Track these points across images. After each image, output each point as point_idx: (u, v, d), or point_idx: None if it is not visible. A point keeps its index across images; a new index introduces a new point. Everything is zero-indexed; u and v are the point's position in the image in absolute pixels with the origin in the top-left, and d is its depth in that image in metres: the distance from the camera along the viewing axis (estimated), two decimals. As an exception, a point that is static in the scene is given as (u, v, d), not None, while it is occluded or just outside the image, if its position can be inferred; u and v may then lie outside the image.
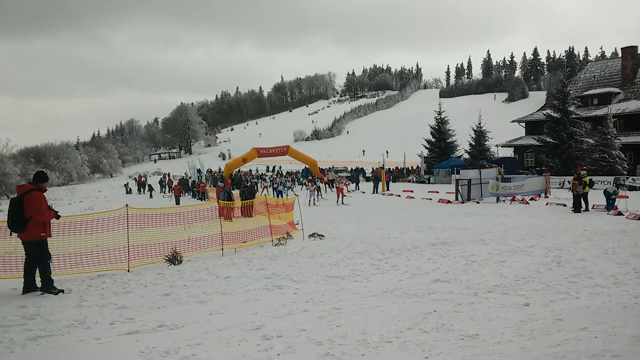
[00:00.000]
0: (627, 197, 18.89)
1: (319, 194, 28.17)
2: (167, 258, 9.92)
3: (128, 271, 9.20)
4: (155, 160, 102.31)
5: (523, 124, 44.68)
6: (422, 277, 7.87)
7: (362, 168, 51.19)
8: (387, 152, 57.80)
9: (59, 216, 7.88)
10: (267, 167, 58.09)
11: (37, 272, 7.42)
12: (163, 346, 4.84)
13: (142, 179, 46.51)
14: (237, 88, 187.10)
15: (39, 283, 7.44)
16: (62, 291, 7.43)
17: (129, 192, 44.08)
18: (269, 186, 33.89)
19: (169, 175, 50.50)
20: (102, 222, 9.63)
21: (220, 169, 53.35)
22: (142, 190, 40.77)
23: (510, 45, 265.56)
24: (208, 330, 5.35)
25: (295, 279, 8.06)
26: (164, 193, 39.81)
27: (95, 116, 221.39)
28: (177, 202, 30.72)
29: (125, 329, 5.51)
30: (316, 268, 8.98)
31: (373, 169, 47.39)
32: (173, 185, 36.56)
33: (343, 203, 25.51)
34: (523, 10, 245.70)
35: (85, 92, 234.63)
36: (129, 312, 6.22)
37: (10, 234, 7.55)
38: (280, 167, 56.47)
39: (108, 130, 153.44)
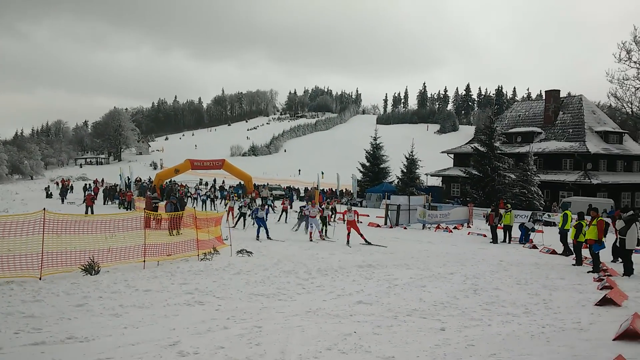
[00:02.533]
0: (542, 232, 20.15)
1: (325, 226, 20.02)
2: (83, 267, 9.43)
3: (40, 279, 8.66)
4: (81, 164, 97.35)
5: (452, 156, 46.71)
6: (345, 298, 7.98)
7: (297, 188, 51.31)
8: (322, 172, 58.39)
9: None
10: (200, 180, 56.89)
11: None
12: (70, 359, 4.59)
13: (65, 183, 44.07)
14: (175, 97, 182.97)
15: None
16: None
17: (49, 196, 41.58)
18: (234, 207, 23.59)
19: (102, 181, 48.00)
20: (15, 226, 9.02)
21: (150, 179, 51.65)
22: (64, 195, 38.53)
23: (445, 79, 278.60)
24: (120, 345, 5.14)
25: (219, 295, 7.92)
26: (73, 201, 36.51)
27: (15, 113, 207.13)
28: (87, 212, 26.48)
29: (31, 339, 5.19)
30: (241, 285, 8.88)
31: (307, 189, 47.69)
32: (86, 194, 33.32)
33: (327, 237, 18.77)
34: (455, 46, 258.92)
35: (3, 88, 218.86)
36: (36, 322, 5.86)
37: None
38: (223, 181, 54.93)
39: (32, 129, 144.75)
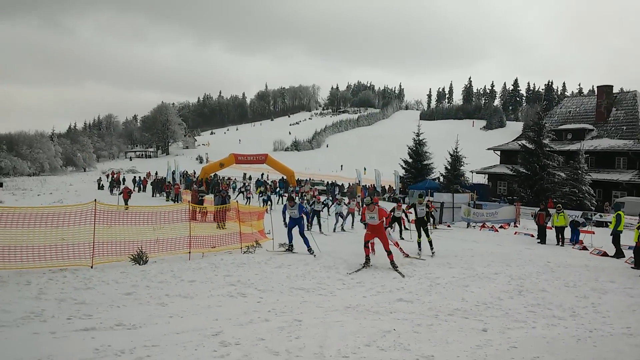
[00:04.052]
0: (593, 233, 19.39)
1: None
2: (132, 257, 9.79)
3: (91, 267, 9.05)
4: (130, 158, 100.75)
5: (498, 153, 45.57)
6: (385, 295, 7.95)
7: (342, 184, 51.25)
8: (364, 168, 58.21)
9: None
10: (244, 175, 57.78)
11: None
12: (118, 345, 4.79)
13: (115, 175, 45.73)
14: (220, 92, 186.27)
15: None
16: None
17: (100, 187, 43.30)
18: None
19: (152, 174, 49.43)
20: (69, 216, 9.46)
21: (195, 172, 52.89)
22: (115, 187, 39.93)
23: (491, 74, 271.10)
24: (166, 333, 5.31)
25: (260, 288, 8.05)
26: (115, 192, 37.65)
27: (65, 107, 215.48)
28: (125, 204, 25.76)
29: (82, 325, 5.44)
30: (282, 278, 8.99)
31: (349, 185, 47.64)
32: (122, 187, 33.97)
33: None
34: (501, 39, 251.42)
35: (53, 82, 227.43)
36: (87, 309, 6.12)
37: None
38: (263, 174, 55.50)
39: (85, 123, 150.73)
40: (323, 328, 5.84)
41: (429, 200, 22.55)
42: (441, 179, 41.88)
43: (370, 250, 11.05)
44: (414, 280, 9.39)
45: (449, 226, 23.86)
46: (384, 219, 11.08)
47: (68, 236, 9.41)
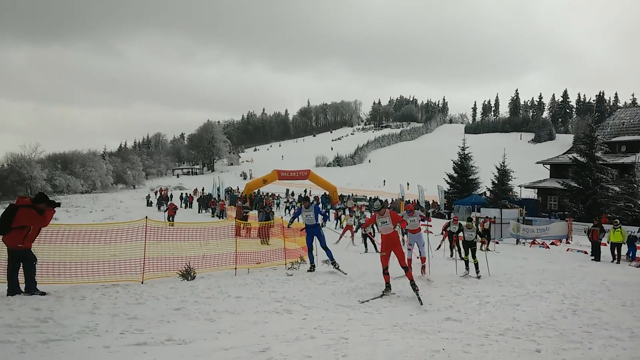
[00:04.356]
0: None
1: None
2: (180, 273, 10.02)
3: (142, 283, 9.31)
4: (178, 175, 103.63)
5: (548, 166, 44.17)
6: (433, 314, 7.79)
7: (385, 199, 50.83)
8: (407, 184, 57.59)
9: (58, 204, 8.33)
10: (287, 191, 58.28)
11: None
12: (169, 360, 4.88)
13: (163, 192, 47.11)
14: (264, 110, 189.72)
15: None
16: (44, 293, 7.70)
17: (149, 204, 44.67)
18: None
19: (202, 191, 50.67)
20: (120, 233, 9.81)
21: (239, 188, 53.77)
22: (162, 204, 41.11)
23: (539, 85, 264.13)
24: (215, 349, 5.38)
25: (306, 305, 8.04)
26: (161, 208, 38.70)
27: (115, 127, 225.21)
28: (168, 219, 27.82)
29: (134, 339, 5.58)
30: (327, 295, 8.95)
31: (392, 200, 47.19)
32: (168, 203, 34.82)
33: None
34: (547, 49, 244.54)
35: (102, 103, 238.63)
36: (139, 324, 6.28)
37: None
38: (306, 190, 55.67)
39: (135, 142, 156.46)
40: (370, 346, 5.77)
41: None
42: (488, 193, 40.93)
43: (390, 276, 9.54)
44: (462, 299, 9.16)
45: (497, 242, 23.21)
46: (398, 225, 9.58)
47: (120, 252, 9.75)
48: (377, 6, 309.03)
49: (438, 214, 42.15)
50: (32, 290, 7.66)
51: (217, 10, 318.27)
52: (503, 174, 39.11)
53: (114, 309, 7.01)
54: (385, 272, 9.35)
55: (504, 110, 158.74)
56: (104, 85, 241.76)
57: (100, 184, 72.29)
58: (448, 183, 45.22)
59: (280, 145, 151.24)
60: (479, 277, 12.07)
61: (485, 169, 44.09)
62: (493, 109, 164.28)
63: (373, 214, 9.93)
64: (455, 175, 44.88)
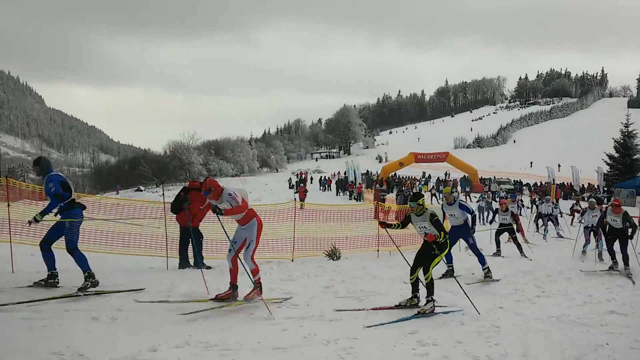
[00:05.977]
0: None
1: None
2: (327, 253, 10.48)
3: (292, 261, 9.93)
4: (316, 158, 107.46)
5: None
6: (594, 306, 7.18)
7: (535, 182, 47.22)
8: (559, 165, 53.10)
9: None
10: (423, 174, 57.27)
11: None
12: (324, 335, 5.19)
13: (303, 175, 49.36)
14: (399, 92, 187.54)
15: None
16: (210, 267, 8.57)
17: (291, 187, 47.12)
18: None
19: (339, 174, 52.30)
20: (269, 213, 10.54)
21: (376, 172, 54.15)
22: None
23: None
24: (364, 327, 5.56)
25: (451, 290, 7.91)
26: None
27: (258, 114, 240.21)
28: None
29: (291, 313, 6.01)
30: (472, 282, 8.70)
31: (541, 183, 43.84)
32: (298, 187, 34.88)
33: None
34: None
35: (245, 91, 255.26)
36: (293, 299, 6.72)
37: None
38: (449, 173, 53.28)
39: (277, 128, 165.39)
40: (524, 336, 5.52)
41: None
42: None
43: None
44: (626, 292, 8.31)
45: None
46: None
47: (270, 232, 10.48)
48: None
49: (595, 197, 38.21)
50: (200, 264, 8.58)
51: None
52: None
53: (270, 284, 7.56)
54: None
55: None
56: (245, 74, 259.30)
57: (248, 167, 77.87)
58: (608, 164, 40.76)
59: (416, 128, 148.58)
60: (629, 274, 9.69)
61: (654, 148, 38.89)
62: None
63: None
64: (616, 155, 40.30)
